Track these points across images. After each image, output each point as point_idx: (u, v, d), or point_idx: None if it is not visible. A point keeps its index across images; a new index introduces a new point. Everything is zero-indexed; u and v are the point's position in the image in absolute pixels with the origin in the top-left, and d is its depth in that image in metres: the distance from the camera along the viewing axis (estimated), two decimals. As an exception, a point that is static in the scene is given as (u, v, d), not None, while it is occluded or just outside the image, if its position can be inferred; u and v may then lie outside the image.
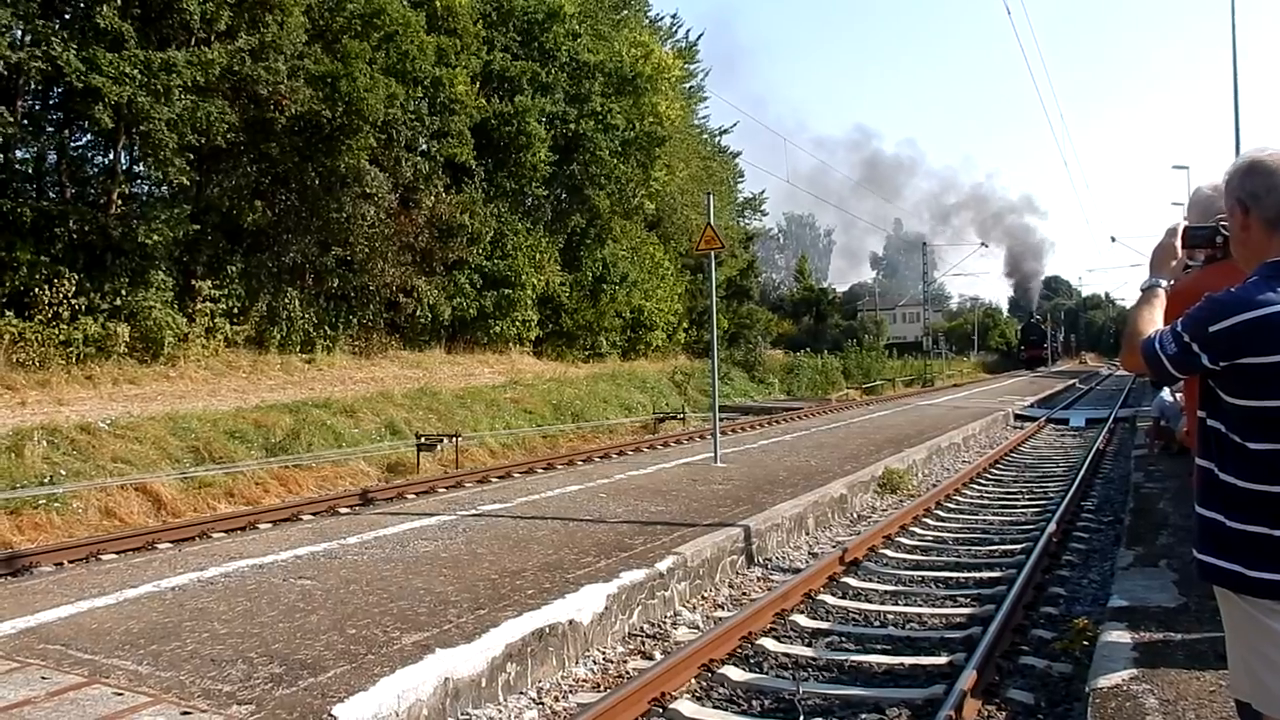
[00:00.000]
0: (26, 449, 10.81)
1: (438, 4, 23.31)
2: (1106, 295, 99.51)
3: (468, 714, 4.18)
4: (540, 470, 13.35)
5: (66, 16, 15.51)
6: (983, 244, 59.88)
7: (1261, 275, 1.97)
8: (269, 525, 9.40)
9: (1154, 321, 2.15)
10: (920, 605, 6.15)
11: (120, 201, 16.38)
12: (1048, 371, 51.80)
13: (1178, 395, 10.86)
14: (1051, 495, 10.48)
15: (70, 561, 7.96)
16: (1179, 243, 2.31)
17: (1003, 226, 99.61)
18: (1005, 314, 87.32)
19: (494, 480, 12.30)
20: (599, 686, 4.69)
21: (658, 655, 5.09)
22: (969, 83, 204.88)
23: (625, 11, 36.45)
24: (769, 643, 5.26)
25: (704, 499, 8.60)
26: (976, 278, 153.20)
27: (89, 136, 16.88)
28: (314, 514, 10.08)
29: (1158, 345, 2.05)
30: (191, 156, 16.15)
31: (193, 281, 17.29)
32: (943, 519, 9.25)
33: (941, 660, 4.92)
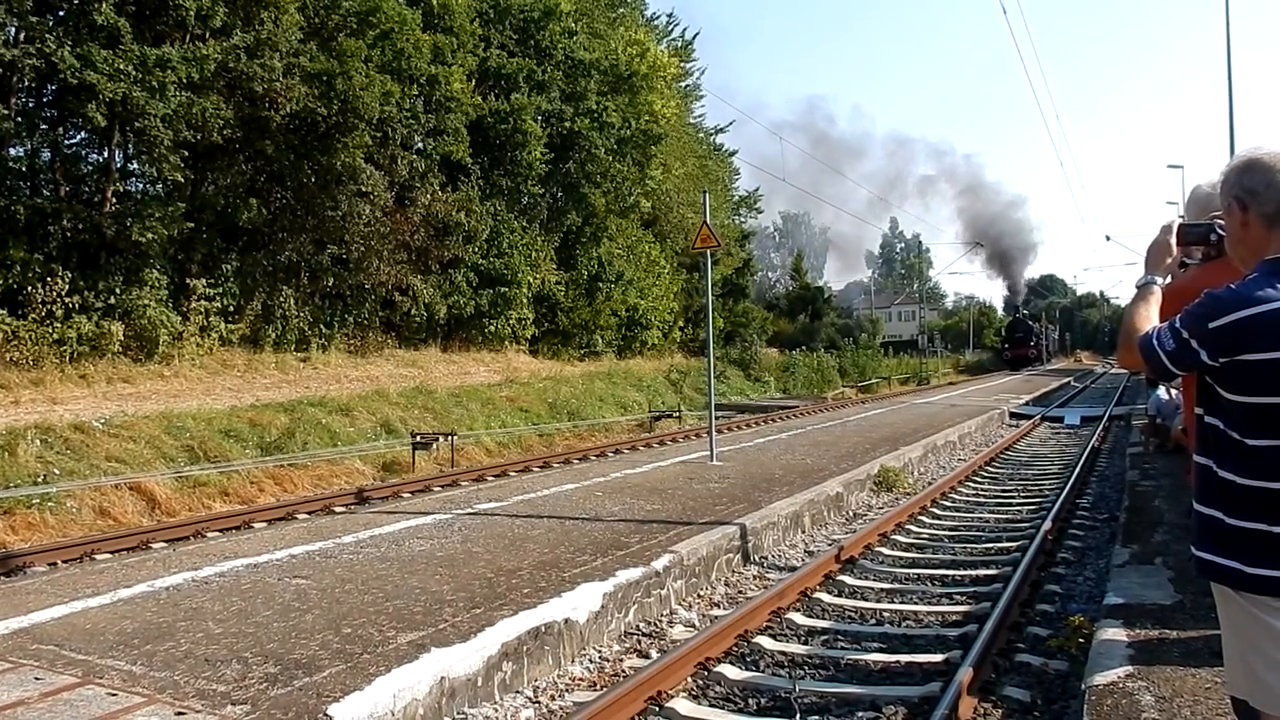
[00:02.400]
0: (20, 448, 10.77)
1: (434, 1, 23.25)
2: (1101, 294, 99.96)
3: (464, 713, 4.17)
4: (536, 469, 13.34)
5: (61, 13, 15.45)
6: (978, 243, 60.08)
7: (1261, 272, 1.97)
8: (264, 524, 9.38)
9: (1150, 319, 2.15)
10: (916, 603, 6.15)
11: (114, 199, 16.33)
12: (1041, 370, 51.51)
13: (1173, 393, 10.91)
14: (1047, 493, 10.50)
15: (64, 561, 7.94)
16: (1174, 240, 2.31)
17: (955, 182, 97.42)
18: (1000, 312, 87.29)
19: (490, 479, 12.28)
20: (595, 685, 4.68)
21: (654, 654, 5.08)
22: (965, 83, 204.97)
23: (621, 9, 36.43)
24: (765, 641, 5.25)
25: (700, 497, 8.59)
26: (973, 276, 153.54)
27: (83, 134, 16.81)
28: (309, 513, 10.06)
29: (1155, 342, 2.05)
30: (186, 154, 16.09)
31: (187, 280, 17.25)
32: (939, 517, 9.26)
33: (938, 658, 4.92)
